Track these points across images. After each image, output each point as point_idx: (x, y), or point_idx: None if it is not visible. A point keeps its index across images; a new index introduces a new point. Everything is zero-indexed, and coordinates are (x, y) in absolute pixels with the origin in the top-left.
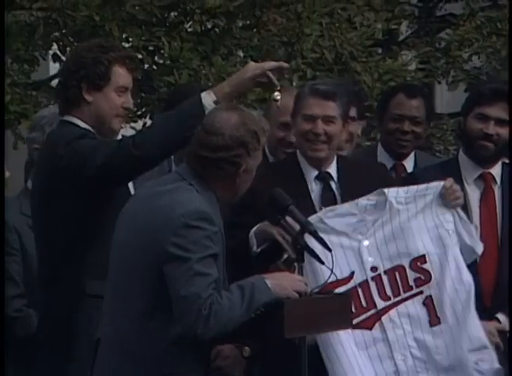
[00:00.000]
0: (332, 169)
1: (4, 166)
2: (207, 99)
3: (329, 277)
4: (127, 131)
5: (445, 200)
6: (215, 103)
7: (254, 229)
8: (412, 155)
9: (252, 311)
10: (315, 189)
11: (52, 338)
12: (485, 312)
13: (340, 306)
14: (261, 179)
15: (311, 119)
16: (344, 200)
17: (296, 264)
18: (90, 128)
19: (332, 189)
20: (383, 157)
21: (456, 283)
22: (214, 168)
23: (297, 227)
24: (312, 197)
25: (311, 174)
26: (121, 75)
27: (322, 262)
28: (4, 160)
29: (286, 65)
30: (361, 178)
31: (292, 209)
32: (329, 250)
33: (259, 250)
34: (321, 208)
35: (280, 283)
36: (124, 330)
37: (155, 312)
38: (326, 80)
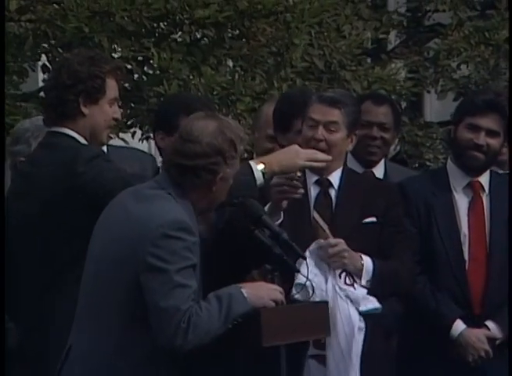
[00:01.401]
0: (333, 177)
1: (4, 166)
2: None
3: (305, 284)
4: (116, 141)
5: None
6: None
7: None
8: (382, 163)
9: (229, 322)
10: (312, 194)
11: (39, 349)
12: (474, 320)
13: (318, 314)
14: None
15: (314, 125)
16: (339, 209)
17: (270, 274)
18: (84, 141)
19: (330, 196)
20: (352, 165)
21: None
22: (191, 175)
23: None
24: (310, 200)
25: (311, 179)
26: (113, 87)
27: (297, 271)
28: (4, 160)
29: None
30: (364, 193)
31: (265, 219)
32: (304, 258)
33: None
34: (317, 212)
35: (256, 292)
36: (99, 340)
37: (132, 323)
38: (338, 90)
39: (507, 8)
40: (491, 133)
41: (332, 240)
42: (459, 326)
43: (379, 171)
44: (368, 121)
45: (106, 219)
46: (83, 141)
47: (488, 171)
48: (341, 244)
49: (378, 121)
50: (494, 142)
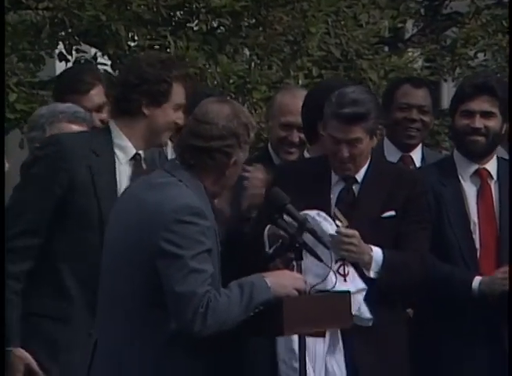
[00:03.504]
0: (359, 174)
1: (4, 166)
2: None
3: (328, 275)
4: None
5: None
6: None
7: (267, 229)
8: (419, 147)
9: (251, 309)
10: (336, 190)
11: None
12: (489, 311)
13: (340, 304)
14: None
15: (336, 142)
16: (359, 203)
17: (294, 262)
18: (126, 138)
19: (353, 192)
20: (390, 150)
21: None
22: (206, 157)
23: (295, 225)
24: (331, 197)
25: (337, 175)
26: (180, 93)
27: (320, 260)
28: (4, 159)
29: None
30: (388, 185)
31: (289, 208)
32: (328, 248)
33: (271, 250)
34: (338, 209)
35: (279, 281)
36: (120, 328)
37: (151, 309)
38: (353, 95)
39: None
40: (486, 115)
41: (348, 231)
42: (476, 279)
43: (416, 155)
44: (408, 103)
45: (119, 209)
46: (119, 136)
47: (495, 158)
48: (354, 237)
49: (418, 104)
50: (491, 123)
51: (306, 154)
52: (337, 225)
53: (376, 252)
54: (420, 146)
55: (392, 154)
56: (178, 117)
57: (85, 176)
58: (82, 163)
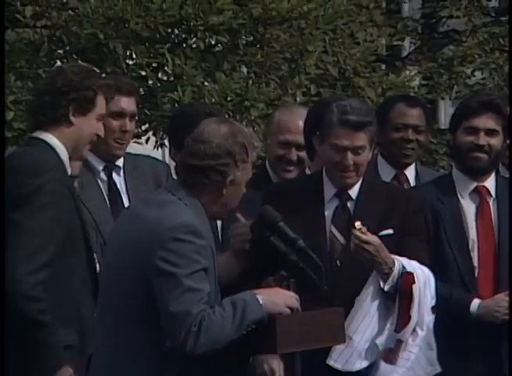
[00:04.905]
0: (353, 190)
1: (4, 166)
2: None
3: (321, 292)
4: (131, 147)
5: None
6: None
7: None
8: (413, 165)
9: (243, 328)
10: (330, 207)
11: None
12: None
13: (333, 321)
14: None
15: (342, 150)
16: (354, 218)
17: (286, 280)
18: (64, 150)
19: (348, 209)
20: (384, 168)
21: None
22: (201, 176)
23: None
24: (326, 214)
25: (330, 192)
26: (102, 103)
27: (313, 279)
28: (4, 158)
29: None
30: (383, 203)
31: (281, 225)
32: (319, 266)
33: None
34: (334, 226)
35: (271, 298)
36: (116, 344)
37: (146, 326)
38: (356, 105)
39: None
40: (490, 132)
41: (363, 237)
42: (475, 302)
43: (410, 173)
44: (403, 123)
45: (118, 227)
46: (62, 151)
47: (493, 176)
48: (370, 245)
49: (413, 124)
50: (494, 142)
51: (308, 172)
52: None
53: (396, 268)
54: (414, 163)
55: (386, 172)
56: (100, 129)
57: (70, 198)
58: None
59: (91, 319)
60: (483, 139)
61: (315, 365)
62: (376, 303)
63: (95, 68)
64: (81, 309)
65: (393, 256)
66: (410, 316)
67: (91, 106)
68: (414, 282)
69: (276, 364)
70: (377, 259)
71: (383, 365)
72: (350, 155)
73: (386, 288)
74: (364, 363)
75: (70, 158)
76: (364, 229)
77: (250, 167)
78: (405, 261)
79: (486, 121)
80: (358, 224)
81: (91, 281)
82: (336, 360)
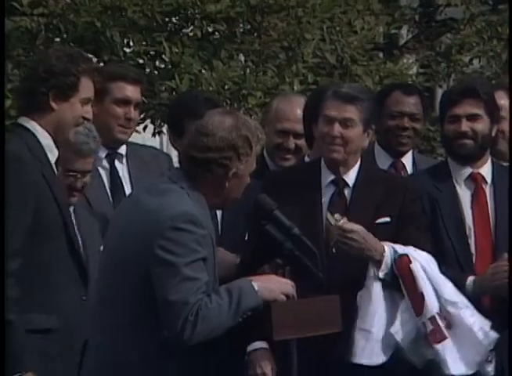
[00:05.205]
0: (350, 176)
1: (4, 166)
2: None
3: (317, 280)
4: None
5: None
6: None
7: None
8: (410, 152)
9: (240, 315)
10: (327, 194)
11: None
12: (483, 313)
13: (329, 308)
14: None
15: (330, 121)
16: (352, 209)
17: (282, 268)
18: (49, 136)
19: (345, 196)
20: (381, 156)
21: None
22: (203, 169)
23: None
24: (323, 201)
25: (327, 179)
26: (87, 87)
27: (308, 267)
28: (4, 158)
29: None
30: (380, 191)
31: (276, 214)
32: (315, 253)
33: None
34: (330, 213)
35: (267, 285)
36: (113, 333)
37: (143, 315)
38: (353, 84)
39: None
40: (471, 118)
41: (347, 226)
42: (470, 279)
43: (407, 161)
44: (399, 111)
45: (120, 214)
46: (44, 136)
47: (489, 162)
48: (354, 232)
49: (409, 112)
50: (478, 126)
51: (307, 159)
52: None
53: (387, 255)
54: (410, 151)
55: (383, 160)
56: (86, 111)
57: (44, 185)
58: (38, 173)
59: (77, 304)
60: (465, 125)
61: (311, 366)
62: (381, 293)
63: (85, 53)
64: (61, 295)
65: (383, 242)
66: (422, 294)
67: (73, 91)
68: (411, 262)
69: (269, 368)
70: (365, 246)
71: (448, 348)
72: (337, 126)
73: (381, 275)
74: (386, 355)
75: (56, 142)
76: (344, 219)
77: (253, 159)
78: (397, 246)
79: (465, 107)
80: (337, 215)
81: (76, 266)
82: (361, 357)
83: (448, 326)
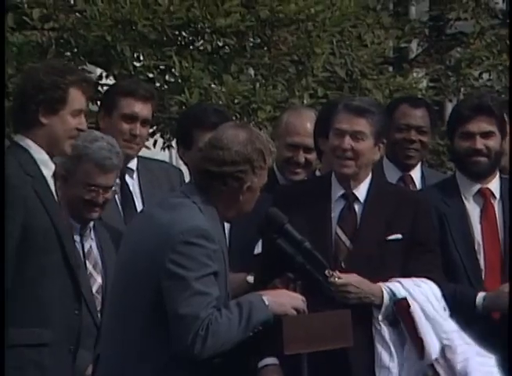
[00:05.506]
0: (360, 191)
1: (4, 165)
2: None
3: (327, 294)
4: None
5: None
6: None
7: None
8: (418, 166)
9: (250, 330)
10: (337, 208)
11: None
12: (493, 327)
13: (340, 323)
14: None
15: (341, 134)
16: (363, 224)
17: (293, 282)
18: (43, 151)
19: (355, 211)
20: (389, 169)
21: None
22: (218, 182)
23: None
24: (332, 215)
25: (337, 193)
26: (77, 98)
27: (319, 280)
28: (4, 159)
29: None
30: (391, 207)
31: (287, 227)
32: (326, 267)
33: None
34: (340, 228)
35: (278, 300)
36: (124, 347)
37: (154, 328)
38: (364, 98)
39: None
40: (485, 135)
41: (341, 281)
42: (480, 295)
43: (416, 174)
44: (406, 124)
45: (132, 229)
46: (38, 151)
47: (497, 178)
48: (348, 285)
49: (416, 125)
50: (492, 143)
51: (318, 174)
52: (327, 276)
53: (386, 298)
54: (419, 164)
55: (392, 173)
56: (79, 123)
57: (34, 200)
58: (29, 187)
59: (70, 318)
60: (480, 143)
61: None
62: (387, 334)
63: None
64: (55, 309)
65: (381, 284)
66: (421, 339)
67: (62, 104)
68: (409, 306)
69: None
70: (362, 294)
71: None
72: (348, 139)
73: (381, 318)
74: None
75: (52, 155)
76: (336, 274)
77: (266, 172)
78: (396, 285)
79: (480, 125)
80: (326, 272)
81: (70, 279)
82: None
83: (447, 372)
